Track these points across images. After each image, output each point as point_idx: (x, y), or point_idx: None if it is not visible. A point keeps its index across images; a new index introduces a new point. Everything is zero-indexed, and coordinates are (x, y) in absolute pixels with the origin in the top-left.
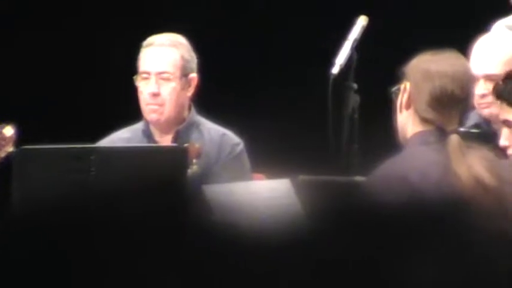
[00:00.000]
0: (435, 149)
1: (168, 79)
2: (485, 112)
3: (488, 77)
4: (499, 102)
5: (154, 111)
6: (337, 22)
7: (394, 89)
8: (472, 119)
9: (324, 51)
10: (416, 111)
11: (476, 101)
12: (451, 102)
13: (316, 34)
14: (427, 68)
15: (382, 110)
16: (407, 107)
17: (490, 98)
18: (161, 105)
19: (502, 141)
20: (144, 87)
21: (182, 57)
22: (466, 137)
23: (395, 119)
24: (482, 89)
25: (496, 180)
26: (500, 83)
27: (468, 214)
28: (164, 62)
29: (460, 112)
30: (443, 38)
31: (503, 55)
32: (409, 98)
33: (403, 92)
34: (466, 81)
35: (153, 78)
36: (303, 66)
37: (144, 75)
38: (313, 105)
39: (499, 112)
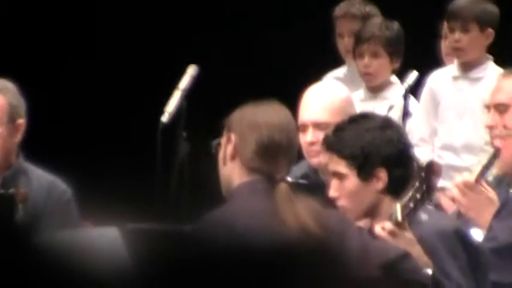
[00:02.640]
0: (263, 197)
1: None
2: (314, 161)
3: (317, 125)
4: (328, 153)
5: None
6: (168, 71)
7: (215, 142)
8: (300, 169)
9: (154, 99)
10: (242, 162)
11: (305, 149)
12: (279, 151)
13: (145, 83)
14: (254, 118)
15: (211, 158)
16: (232, 158)
17: (319, 147)
18: None
19: (332, 193)
20: None
21: (9, 103)
22: (295, 187)
23: (219, 171)
24: (310, 136)
25: (322, 230)
26: (330, 134)
27: (294, 262)
28: None
29: (287, 161)
30: (271, 88)
31: (331, 103)
32: (234, 149)
33: (227, 143)
34: (292, 131)
35: None
36: (132, 114)
37: None
38: (142, 153)
39: (328, 163)
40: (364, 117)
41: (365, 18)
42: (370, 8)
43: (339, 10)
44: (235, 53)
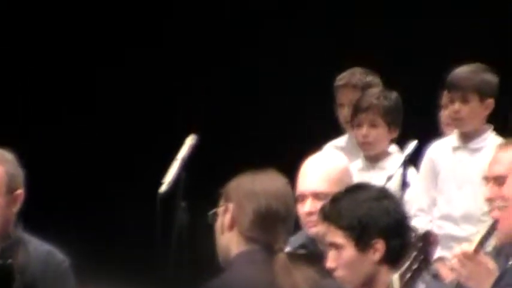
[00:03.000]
0: (261, 267)
1: None
2: (312, 231)
3: (315, 195)
4: (325, 224)
5: None
6: (170, 140)
7: (211, 212)
8: (298, 239)
9: (154, 169)
10: (240, 231)
11: (303, 219)
12: (277, 220)
13: (145, 152)
14: (251, 187)
15: (211, 228)
16: (230, 228)
17: (317, 217)
18: None
19: (329, 263)
20: None
21: (7, 174)
22: (293, 257)
23: (217, 241)
24: (309, 207)
25: None
26: (327, 204)
27: None
28: None
29: (285, 230)
30: (270, 157)
31: (330, 174)
32: (231, 218)
33: (225, 213)
34: (290, 200)
35: None
36: (132, 183)
37: None
38: (143, 223)
39: (326, 234)
40: (361, 187)
41: (366, 88)
42: (371, 78)
43: (340, 80)
44: (235, 122)
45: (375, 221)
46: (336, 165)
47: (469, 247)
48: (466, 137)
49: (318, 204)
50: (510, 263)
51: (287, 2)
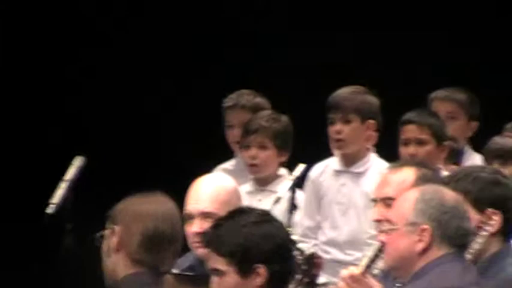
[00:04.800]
0: None
1: None
2: (200, 251)
3: (203, 215)
4: (207, 250)
5: None
6: (52, 162)
7: (98, 234)
8: (186, 260)
9: (40, 191)
10: (127, 254)
11: (191, 239)
12: (163, 242)
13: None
14: (138, 209)
15: (98, 251)
16: (117, 250)
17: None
18: None
19: None
20: None
21: None
22: (180, 279)
23: (104, 263)
24: (197, 227)
25: None
26: (208, 230)
27: None
28: None
29: (172, 253)
30: (158, 179)
31: (218, 194)
32: (118, 241)
33: (111, 235)
34: (177, 222)
35: None
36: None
37: None
38: (28, 245)
39: (208, 260)
40: (242, 212)
41: (254, 109)
42: (260, 100)
43: (229, 101)
44: (123, 144)
45: (256, 246)
46: (225, 186)
47: (356, 270)
48: (348, 160)
49: (206, 225)
50: (397, 285)
51: None
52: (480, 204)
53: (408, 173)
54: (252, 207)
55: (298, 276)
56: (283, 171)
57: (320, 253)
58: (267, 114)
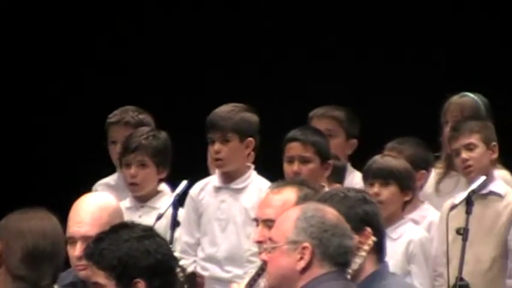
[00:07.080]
0: None
1: None
2: (82, 274)
3: (85, 239)
4: (89, 263)
5: None
6: None
7: None
8: (69, 276)
9: None
10: (8, 269)
11: (73, 262)
12: (44, 258)
13: None
14: (19, 226)
15: None
16: None
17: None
18: None
19: None
20: None
21: None
22: None
23: None
24: (78, 250)
25: None
26: (90, 244)
27: None
28: None
29: (53, 269)
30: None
31: (100, 217)
32: (0, 256)
33: None
34: (58, 238)
35: None
36: None
37: None
38: None
39: (91, 274)
40: (124, 226)
41: (138, 126)
42: (144, 116)
43: (112, 117)
44: (5, 156)
45: (135, 260)
46: (107, 207)
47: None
48: (228, 177)
49: None
50: None
51: None
52: (350, 222)
53: (290, 194)
54: (136, 222)
55: None
56: (163, 186)
57: (199, 270)
58: (146, 132)
